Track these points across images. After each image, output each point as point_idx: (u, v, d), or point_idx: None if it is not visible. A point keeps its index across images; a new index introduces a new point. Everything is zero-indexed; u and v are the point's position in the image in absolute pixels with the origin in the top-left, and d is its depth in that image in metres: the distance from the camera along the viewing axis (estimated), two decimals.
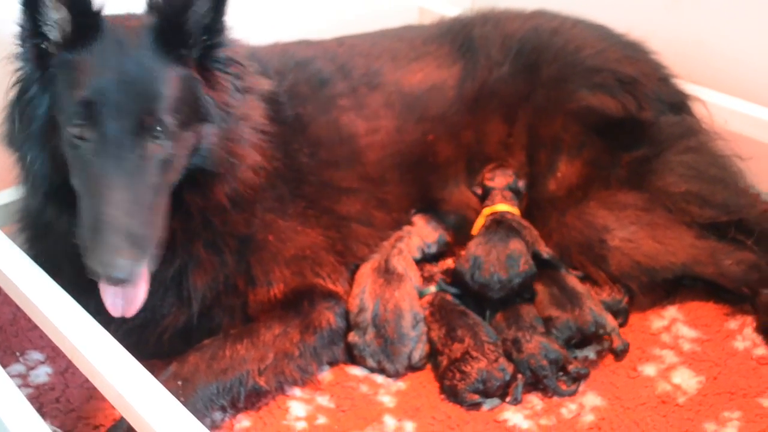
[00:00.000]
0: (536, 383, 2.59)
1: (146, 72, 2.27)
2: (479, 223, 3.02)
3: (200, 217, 2.49)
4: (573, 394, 2.57)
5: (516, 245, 2.83)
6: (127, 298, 2.32)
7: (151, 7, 2.36)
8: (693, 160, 2.99)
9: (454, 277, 2.84)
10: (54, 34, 2.27)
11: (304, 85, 2.94)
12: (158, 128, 2.23)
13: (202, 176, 2.42)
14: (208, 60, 2.38)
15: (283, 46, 3.10)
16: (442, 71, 3.20)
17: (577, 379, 2.59)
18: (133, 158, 2.20)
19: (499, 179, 3.05)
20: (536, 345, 2.60)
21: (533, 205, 3.06)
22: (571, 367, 2.58)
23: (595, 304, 2.73)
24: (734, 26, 3.40)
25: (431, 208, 3.12)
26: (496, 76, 3.16)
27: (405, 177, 3.06)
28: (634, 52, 3.22)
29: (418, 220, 3.06)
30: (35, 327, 2.80)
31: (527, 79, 3.14)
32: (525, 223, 2.97)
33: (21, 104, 2.37)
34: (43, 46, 2.29)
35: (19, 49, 2.35)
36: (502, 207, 2.99)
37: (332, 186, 2.87)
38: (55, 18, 2.25)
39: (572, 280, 2.83)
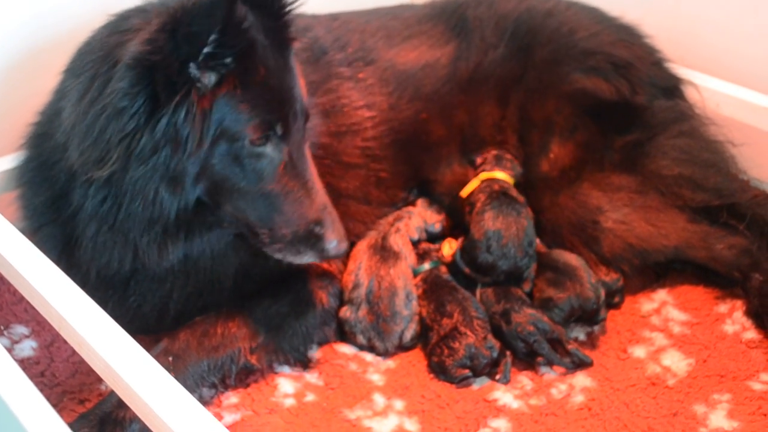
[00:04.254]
0: (530, 355, 2.58)
1: (293, 67, 2.39)
2: (472, 185, 3.01)
3: None
4: (571, 368, 2.58)
5: (528, 220, 2.85)
6: None
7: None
8: (686, 145, 2.99)
9: (464, 253, 2.83)
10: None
11: (306, 51, 2.89)
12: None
13: None
14: None
15: None
16: (435, 51, 3.17)
17: (578, 364, 2.58)
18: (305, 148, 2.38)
19: (504, 151, 3.07)
20: (525, 315, 2.60)
21: (526, 185, 3.04)
22: (570, 347, 2.58)
23: (592, 275, 2.73)
24: (727, 10, 3.40)
25: (425, 191, 3.11)
26: (491, 57, 3.15)
27: (399, 155, 3.04)
28: (628, 35, 3.21)
29: (422, 202, 3.05)
30: (20, 300, 2.77)
31: (521, 61, 3.12)
32: (523, 197, 2.97)
33: (181, 135, 2.16)
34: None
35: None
36: (500, 175, 2.98)
37: (335, 160, 2.84)
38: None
39: (563, 254, 2.83)
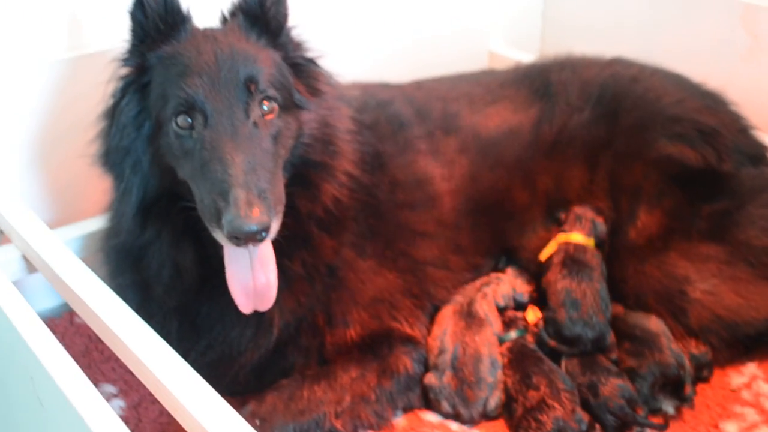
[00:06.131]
0: (620, 428, 2.52)
1: (242, 50, 2.39)
2: (550, 248, 3.00)
3: (306, 226, 2.52)
4: (664, 429, 2.52)
5: (601, 282, 2.85)
6: (259, 294, 2.35)
7: (234, 10, 2.54)
8: None
9: (548, 326, 2.80)
10: (151, 36, 2.42)
11: (385, 124, 2.95)
12: (264, 98, 2.34)
13: (307, 171, 2.50)
14: (292, 50, 2.53)
15: (363, 85, 3.11)
16: (518, 115, 3.17)
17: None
18: (247, 125, 2.28)
19: (585, 209, 3.04)
20: (612, 387, 2.55)
21: (611, 252, 3.00)
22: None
23: (673, 341, 2.69)
24: None
25: (510, 257, 3.09)
26: (576, 121, 3.13)
27: (480, 222, 3.02)
28: (713, 102, 3.18)
29: (512, 270, 3.03)
30: (108, 359, 2.81)
31: (608, 126, 3.10)
32: (597, 259, 2.95)
33: (118, 113, 2.43)
34: (142, 50, 2.42)
35: (124, 57, 2.48)
36: (577, 237, 2.96)
37: (408, 228, 2.85)
38: (153, 19, 2.40)
39: (641, 319, 2.79)
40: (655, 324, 2.75)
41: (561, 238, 2.99)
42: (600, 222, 3.02)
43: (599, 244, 3.01)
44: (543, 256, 3.01)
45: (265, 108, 2.34)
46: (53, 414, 2.15)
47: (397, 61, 3.89)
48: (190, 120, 2.29)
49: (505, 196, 3.08)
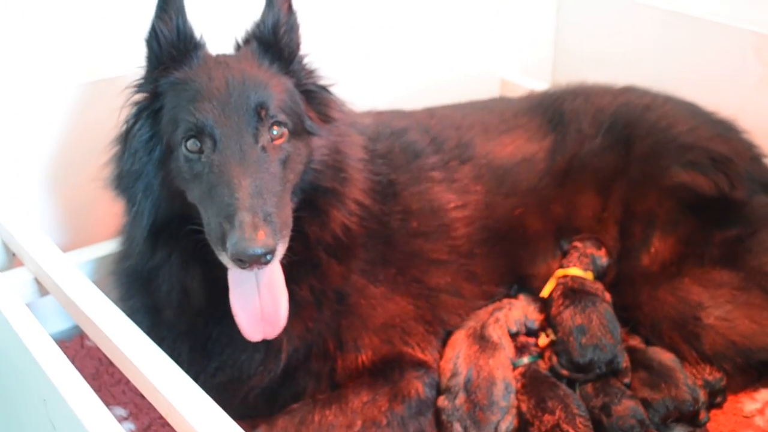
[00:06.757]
0: None
1: (253, 76, 2.41)
2: (550, 285, 3.00)
3: (314, 251, 2.53)
4: None
5: (605, 306, 2.84)
6: (267, 319, 2.34)
7: (248, 38, 2.57)
8: None
9: (560, 358, 2.78)
10: (165, 63, 2.44)
11: (399, 153, 2.96)
12: (273, 123, 2.35)
13: (316, 197, 2.50)
14: (304, 77, 2.55)
15: (377, 113, 3.13)
16: (532, 144, 3.18)
17: None
18: (255, 150, 2.29)
19: (585, 244, 3.04)
20: (625, 407, 2.55)
21: (623, 279, 3.00)
22: None
23: (688, 376, 2.67)
24: None
25: (522, 285, 3.08)
26: (588, 149, 3.14)
27: (494, 250, 3.02)
28: (726, 130, 3.19)
29: (524, 297, 3.03)
30: (118, 382, 2.81)
31: (620, 154, 3.11)
32: (597, 285, 2.95)
33: (131, 139, 2.45)
34: (156, 76, 2.45)
35: (138, 84, 2.51)
36: (574, 271, 2.97)
37: (422, 256, 2.85)
38: (167, 47, 2.43)
39: (659, 353, 2.77)
40: (671, 360, 2.74)
41: (559, 273, 3.00)
42: (599, 255, 3.03)
43: (598, 277, 3.02)
44: (544, 293, 3.01)
45: (275, 133, 2.36)
46: None
47: (409, 86, 3.93)
48: (199, 144, 2.31)
49: (519, 224, 3.08)
